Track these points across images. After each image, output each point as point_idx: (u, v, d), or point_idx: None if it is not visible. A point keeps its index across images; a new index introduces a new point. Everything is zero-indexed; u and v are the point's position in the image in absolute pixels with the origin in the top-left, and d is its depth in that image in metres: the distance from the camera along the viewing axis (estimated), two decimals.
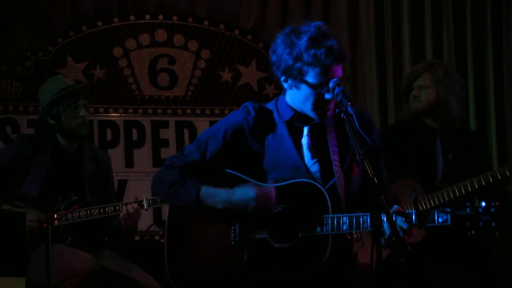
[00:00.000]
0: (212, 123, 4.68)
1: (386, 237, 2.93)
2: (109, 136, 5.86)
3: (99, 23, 5.89)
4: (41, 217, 4.31)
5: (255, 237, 3.14)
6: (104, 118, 5.85)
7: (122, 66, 5.91)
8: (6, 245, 3.94)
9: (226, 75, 6.02)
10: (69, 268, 4.13)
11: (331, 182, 3.15)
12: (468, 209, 2.96)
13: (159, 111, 5.94)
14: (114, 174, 5.00)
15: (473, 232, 2.95)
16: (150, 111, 5.93)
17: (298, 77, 3.10)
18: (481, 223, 2.94)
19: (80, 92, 4.55)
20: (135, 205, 4.42)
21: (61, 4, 5.84)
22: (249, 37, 6.04)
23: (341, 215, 3.05)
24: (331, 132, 3.22)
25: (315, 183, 3.10)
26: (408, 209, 3.10)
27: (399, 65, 6.08)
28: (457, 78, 4.77)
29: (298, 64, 3.08)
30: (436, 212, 2.99)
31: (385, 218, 2.89)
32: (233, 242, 3.16)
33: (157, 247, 3.63)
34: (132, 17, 5.95)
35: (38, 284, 4.11)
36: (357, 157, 2.88)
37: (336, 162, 3.17)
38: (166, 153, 5.71)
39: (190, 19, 6.02)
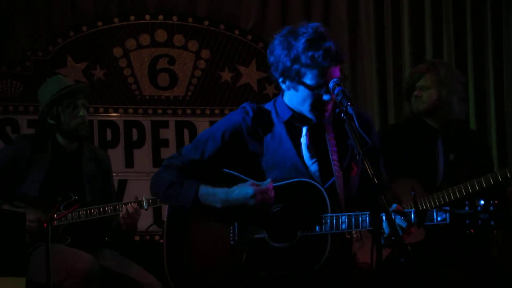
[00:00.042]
0: (212, 123, 4.68)
1: (385, 236, 2.93)
2: (109, 136, 5.87)
3: (99, 23, 5.90)
4: (41, 217, 4.31)
5: (254, 236, 3.14)
6: (104, 118, 5.86)
7: (122, 66, 5.92)
8: (6, 245, 3.94)
9: (226, 75, 6.02)
10: (69, 268, 4.13)
11: (330, 182, 3.15)
12: (467, 208, 2.96)
13: (159, 111, 5.95)
14: (114, 174, 5.00)
15: (472, 230, 2.95)
16: (150, 111, 5.93)
17: (296, 79, 3.10)
18: (480, 222, 2.94)
19: (80, 91, 4.55)
20: (135, 205, 4.42)
21: (61, 4, 5.84)
22: (249, 37, 6.04)
23: (340, 214, 3.05)
24: (330, 131, 3.22)
25: (314, 183, 3.10)
26: (408, 209, 3.10)
27: (399, 65, 6.07)
28: (459, 77, 4.76)
29: (295, 66, 3.08)
30: (435, 211, 2.99)
31: (384, 217, 2.89)
32: (232, 242, 3.16)
33: (157, 247, 3.63)
34: (132, 17, 5.95)
35: (38, 284, 4.11)
36: (357, 157, 2.88)
37: (335, 162, 3.17)
38: (166, 153, 5.72)
39: (190, 19, 6.02)
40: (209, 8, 6.06)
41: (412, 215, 2.98)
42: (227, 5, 6.09)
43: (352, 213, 3.05)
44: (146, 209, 4.49)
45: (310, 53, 3.04)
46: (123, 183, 5.77)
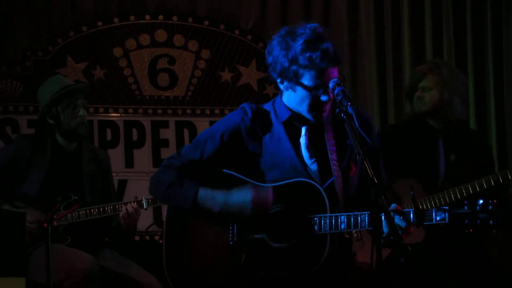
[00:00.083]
0: (212, 123, 4.66)
1: (384, 235, 2.92)
2: (109, 136, 5.87)
3: (99, 23, 5.90)
4: (41, 217, 4.31)
5: (253, 237, 3.14)
6: (104, 118, 5.86)
7: (122, 66, 5.92)
8: (6, 245, 3.94)
9: (226, 75, 6.02)
10: (69, 268, 4.13)
11: (329, 182, 3.14)
12: (465, 207, 2.96)
13: (159, 111, 5.95)
14: (114, 174, 5.00)
15: (471, 230, 2.95)
16: (150, 111, 5.93)
17: (294, 80, 3.10)
18: (478, 221, 2.93)
19: (79, 91, 4.56)
20: (135, 205, 4.42)
21: (61, 4, 5.84)
22: (249, 37, 6.04)
23: (339, 214, 3.05)
24: (329, 131, 3.22)
25: (313, 183, 3.09)
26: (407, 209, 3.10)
27: (399, 65, 6.07)
28: (461, 78, 4.75)
29: (293, 67, 3.07)
30: (434, 210, 2.99)
31: (383, 217, 2.89)
32: (231, 242, 3.16)
33: (157, 247, 3.63)
34: (132, 17, 5.95)
35: (38, 284, 4.11)
36: (357, 157, 2.88)
37: (334, 162, 3.17)
38: (166, 153, 5.72)
39: (190, 19, 6.02)
40: (209, 8, 6.06)
41: (411, 215, 2.98)
42: (227, 5, 6.09)
43: (351, 213, 3.04)
44: (146, 209, 4.49)
45: (307, 54, 3.04)
46: (123, 183, 5.77)
